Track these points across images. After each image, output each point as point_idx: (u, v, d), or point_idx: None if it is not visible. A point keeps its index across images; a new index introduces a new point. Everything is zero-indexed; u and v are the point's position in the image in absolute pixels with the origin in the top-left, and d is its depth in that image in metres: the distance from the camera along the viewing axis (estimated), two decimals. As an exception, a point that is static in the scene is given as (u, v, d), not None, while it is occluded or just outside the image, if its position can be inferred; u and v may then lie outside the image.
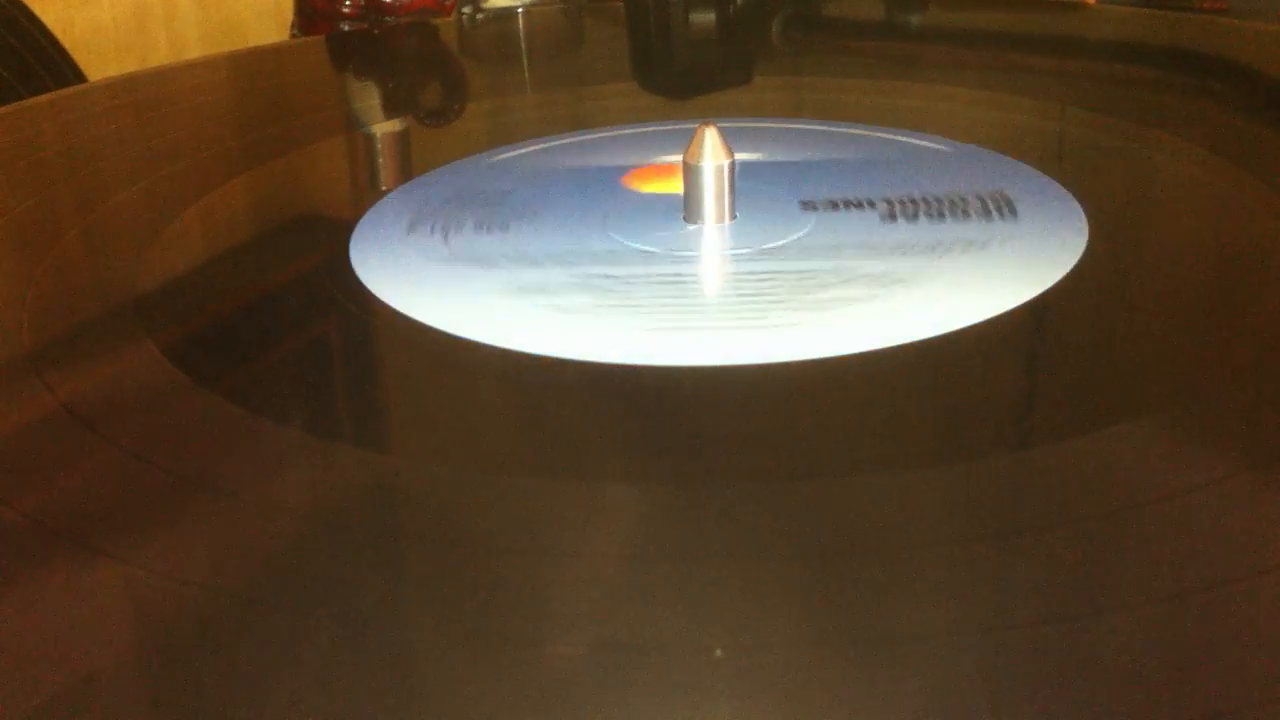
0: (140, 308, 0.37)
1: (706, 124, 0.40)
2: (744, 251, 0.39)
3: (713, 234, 0.40)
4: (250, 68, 0.73)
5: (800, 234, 0.40)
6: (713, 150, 0.40)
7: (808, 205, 0.42)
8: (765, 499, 0.26)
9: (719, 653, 0.21)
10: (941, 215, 0.41)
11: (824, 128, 0.53)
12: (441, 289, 0.37)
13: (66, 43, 0.78)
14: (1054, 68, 0.67)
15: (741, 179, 0.41)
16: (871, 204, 0.42)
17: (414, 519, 0.26)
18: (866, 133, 0.52)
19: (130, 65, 0.98)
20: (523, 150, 0.52)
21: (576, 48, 0.81)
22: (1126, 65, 0.66)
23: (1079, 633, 0.21)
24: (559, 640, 0.22)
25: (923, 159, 0.48)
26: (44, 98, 0.64)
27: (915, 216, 0.41)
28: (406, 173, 0.51)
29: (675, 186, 0.42)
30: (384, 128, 0.61)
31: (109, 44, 1.01)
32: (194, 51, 1.06)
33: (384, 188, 0.48)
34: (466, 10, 0.82)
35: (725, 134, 0.40)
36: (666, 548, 0.24)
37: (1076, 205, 0.41)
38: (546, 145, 0.52)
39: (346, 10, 0.84)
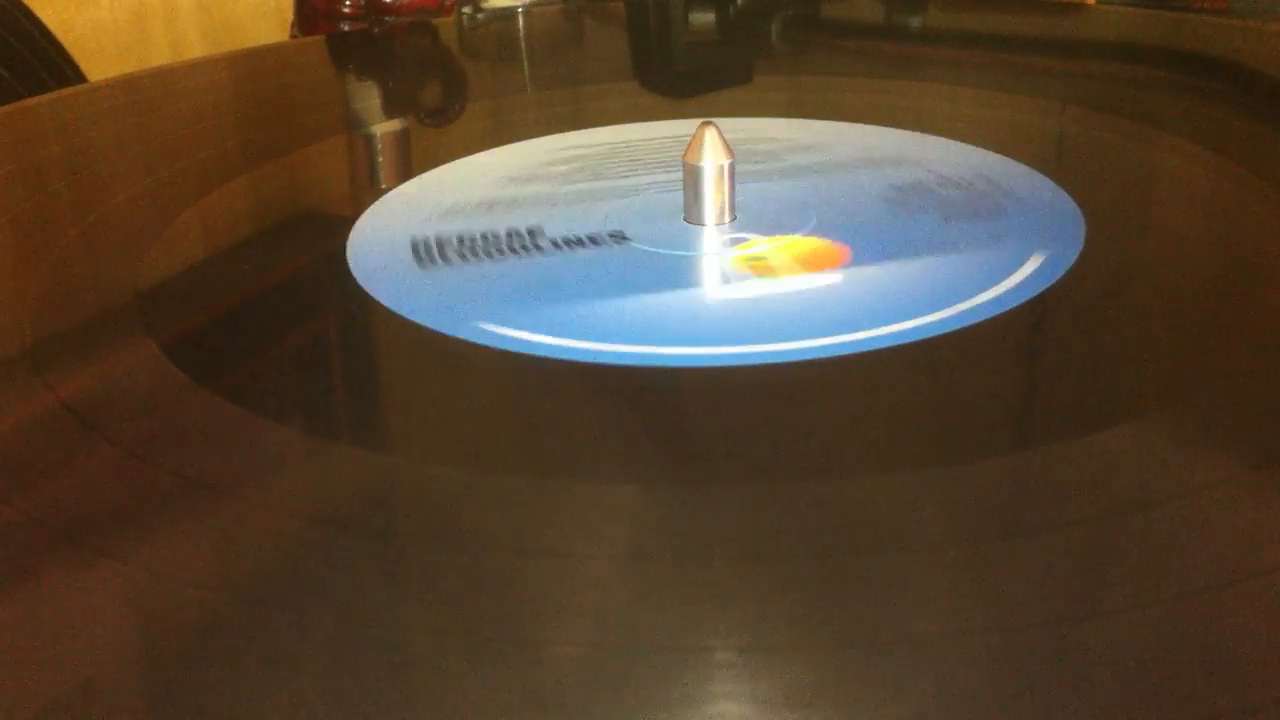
0: (140, 307, 0.37)
1: (706, 124, 0.40)
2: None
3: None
4: (250, 68, 0.73)
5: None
6: (713, 150, 0.40)
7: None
8: (765, 499, 0.26)
9: (719, 653, 0.21)
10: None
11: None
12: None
13: (66, 43, 0.78)
14: (1054, 68, 0.67)
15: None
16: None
17: (413, 519, 0.26)
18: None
19: (130, 65, 0.98)
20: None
21: (576, 48, 0.81)
22: (1126, 65, 0.66)
23: (1079, 633, 0.21)
24: (558, 640, 0.22)
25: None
26: (44, 98, 0.64)
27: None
28: (406, 173, 0.51)
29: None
30: (383, 128, 0.61)
31: (109, 44, 1.01)
32: (194, 51, 1.06)
33: (383, 187, 0.48)
34: (466, 10, 0.82)
35: (724, 133, 0.40)
36: (666, 548, 0.24)
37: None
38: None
39: (346, 10, 0.84)
